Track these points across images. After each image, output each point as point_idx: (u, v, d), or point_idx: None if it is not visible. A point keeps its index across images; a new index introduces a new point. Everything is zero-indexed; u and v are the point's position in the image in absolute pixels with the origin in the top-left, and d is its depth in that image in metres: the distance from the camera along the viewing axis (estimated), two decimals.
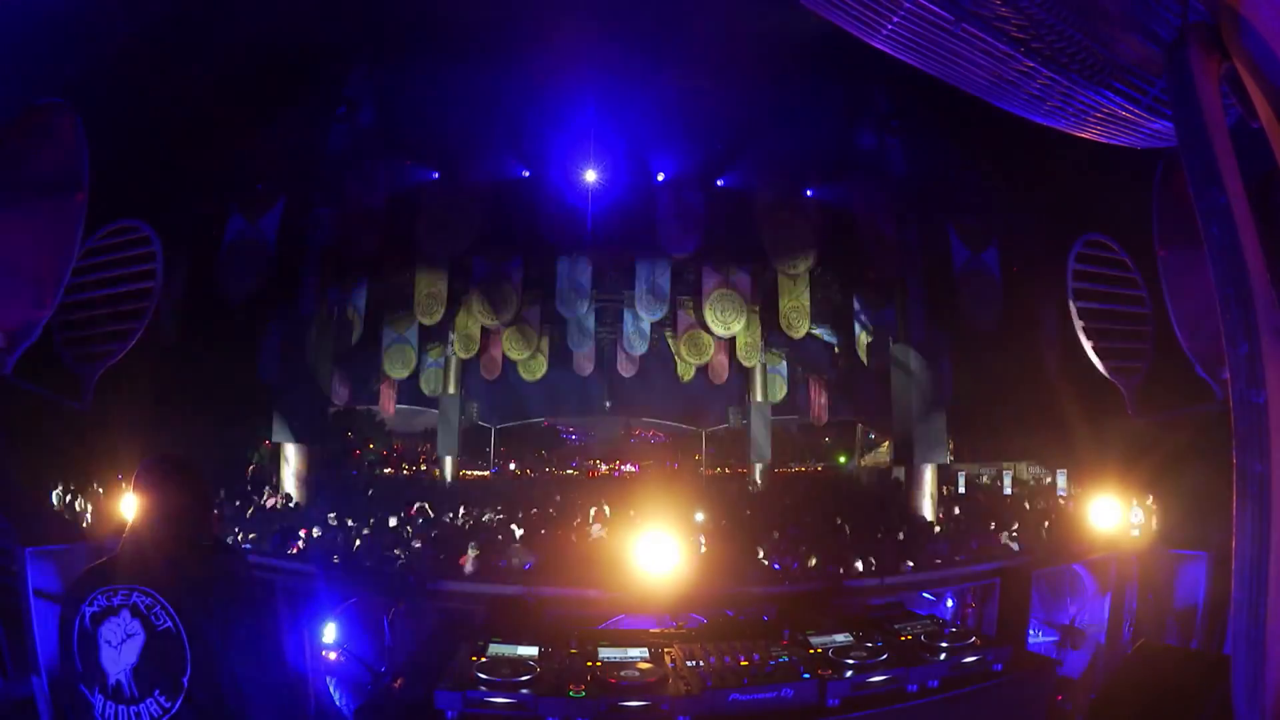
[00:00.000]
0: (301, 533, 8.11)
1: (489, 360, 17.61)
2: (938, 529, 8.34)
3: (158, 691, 1.81)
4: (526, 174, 11.44)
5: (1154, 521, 4.33)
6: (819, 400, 20.09)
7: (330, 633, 3.44)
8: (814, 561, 6.69)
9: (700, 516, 9.20)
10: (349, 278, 13.18)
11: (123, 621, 1.84)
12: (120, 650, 1.83)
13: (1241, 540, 1.49)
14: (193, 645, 1.84)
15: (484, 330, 16.04)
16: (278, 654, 2.05)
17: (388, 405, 19.51)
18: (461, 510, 10.70)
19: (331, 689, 3.35)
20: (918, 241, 11.78)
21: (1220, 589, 3.80)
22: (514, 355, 16.71)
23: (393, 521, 8.99)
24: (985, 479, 19.74)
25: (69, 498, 6.67)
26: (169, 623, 1.84)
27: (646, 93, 10.95)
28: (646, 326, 15.74)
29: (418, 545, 7.20)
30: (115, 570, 1.95)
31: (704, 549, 7.11)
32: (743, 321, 14.19)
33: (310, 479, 11.25)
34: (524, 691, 2.27)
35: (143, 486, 2.04)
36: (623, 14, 9.52)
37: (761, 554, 6.95)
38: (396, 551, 6.89)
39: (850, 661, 2.51)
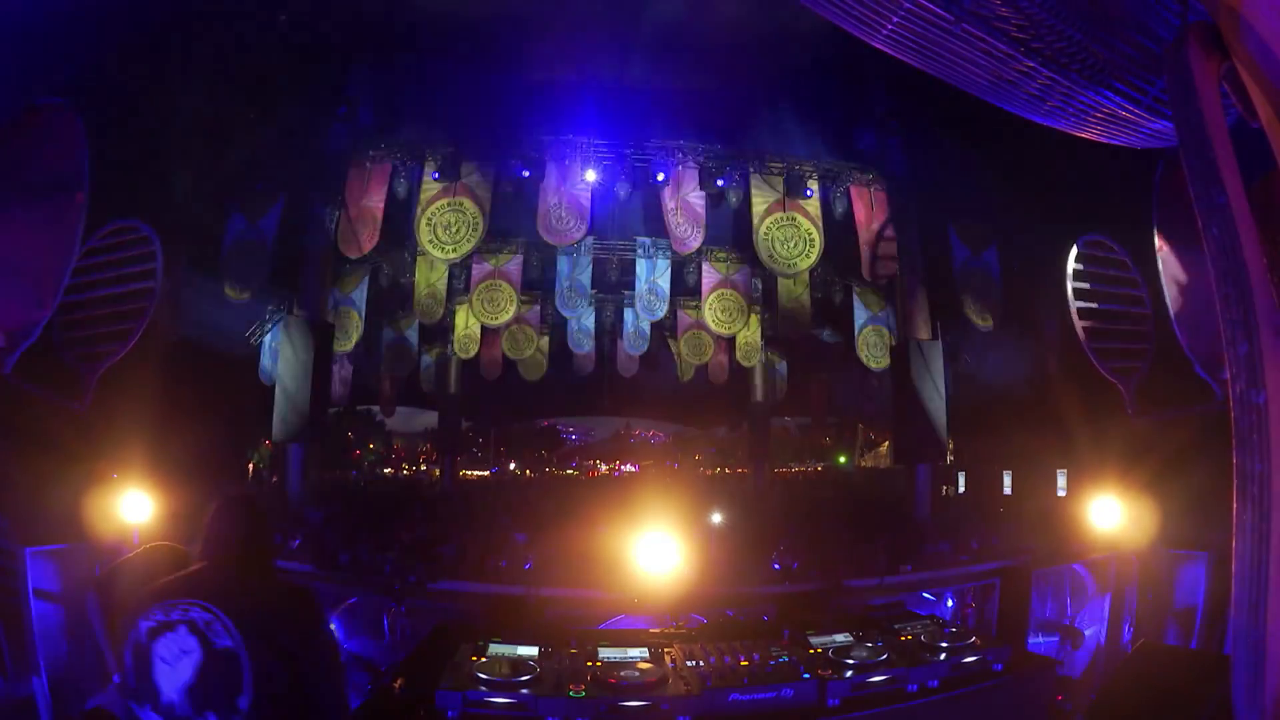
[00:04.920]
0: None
1: (489, 360, 17.61)
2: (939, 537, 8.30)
3: (211, 715, 1.74)
4: (526, 174, 11.41)
5: (1153, 522, 4.33)
6: (819, 400, 20.08)
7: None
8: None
9: (718, 518, 9.12)
10: (349, 278, 13.19)
11: (179, 638, 1.78)
12: (175, 668, 1.75)
13: (1241, 540, 1.49)
14: (253, 665, 1.76)
15: (484, 330, 16.04)
16: (338, 676, 2.03)
17: (388, 405, 19.51)
18: None
19: None
20: (918, 241, 11.77)
21: (1220, 589, 3.81)
22: (514, 355, 16.71)
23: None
24: (983, 478, 19.72)
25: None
26: (228, 641, 1.77)
27: (646, 92, 10.94)
28: (646, 326, 15.73)
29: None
30: (175, 587, 1.89)
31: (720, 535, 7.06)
32: (743, 321, 14.19)
33: (310, 479, 11.24)
34: (524, 691, 2.27)
35: (217, 522, 2.05)
36: (623, 13, 9.52)
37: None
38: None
39: (850, 661, 2.51)
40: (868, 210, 11.72)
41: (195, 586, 1.87)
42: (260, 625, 1.81)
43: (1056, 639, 4.61)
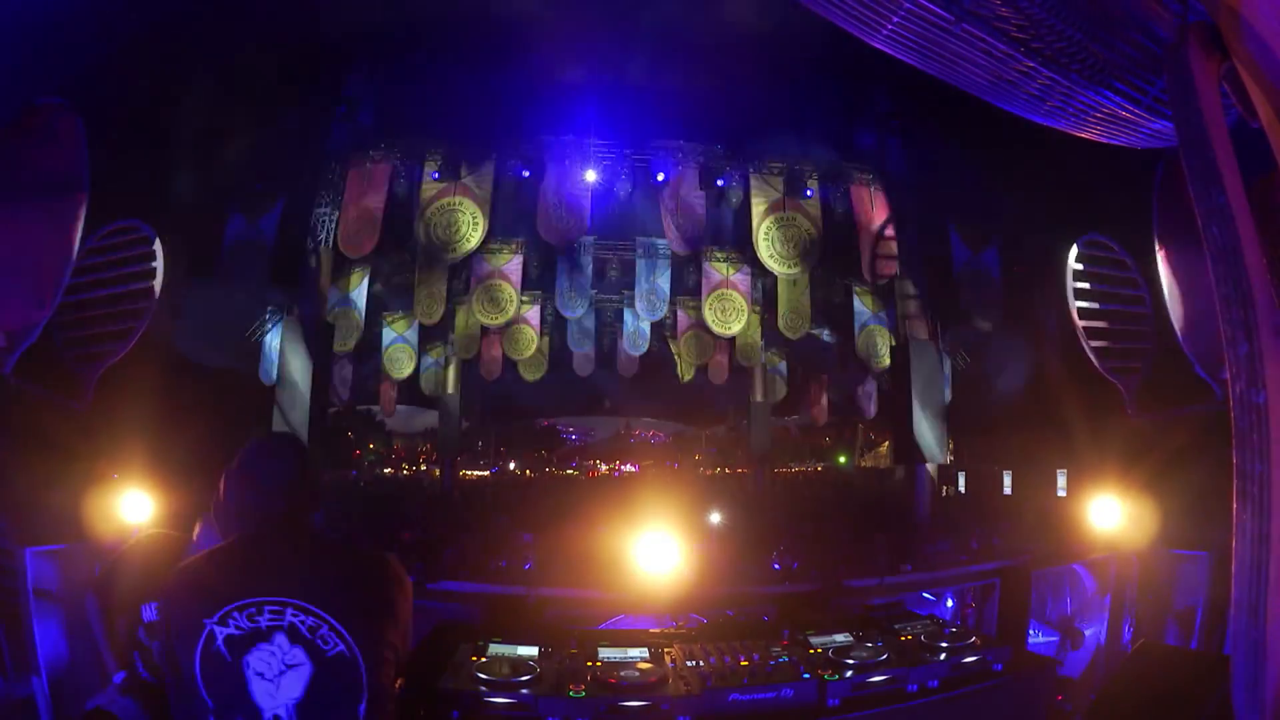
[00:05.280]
0: None
1: (489, 360, 17.62)
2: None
3: None
4: (526, 174, 11.42)
5: (1153, 522, 4.33)
6: (819, 400, 20.09)
7: None
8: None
9: (718, 518, 9.11)
10: (349, 278, 13.19)
11: (279, 649, 1.48)
12: (279, 683, 1.47)
13: (1241, 540, 1.49)
14: (369, 667, 1.52)
15: (484, 330, 16.04)
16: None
17: (388, 405, 19.52)
18: None
19: None
20: (918, 241, 11.78)
21: (1220, 589, 3.80)
22: (514, 355, 16.72)
23: None
24: (984, 478, 19.77)
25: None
26: (341, 646, 1.50)
27: (646, 93, 10.95)
28: (646, 326, 15.75)
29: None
30: (245, 579, 1.54)
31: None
32: (743, 321, 14.21)
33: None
34: (524, 691, 2.27)
35: (259, 473, 1.68)
36: (623, 14, 9.52)
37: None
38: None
39: (850, 661, 2.51)
40: (868, 210, 11.73)
41: (278, 579, 1.53)
42: (372, 622, 1.56)
43: (1056, 639, 4.61)
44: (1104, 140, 2.10)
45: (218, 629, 1.47)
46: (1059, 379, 9.13)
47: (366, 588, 1.62)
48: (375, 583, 1.65)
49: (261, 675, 1.47)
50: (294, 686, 1.47)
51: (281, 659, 1.48)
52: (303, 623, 1.49)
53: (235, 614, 1.48)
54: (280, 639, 1.48)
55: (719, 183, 11.59)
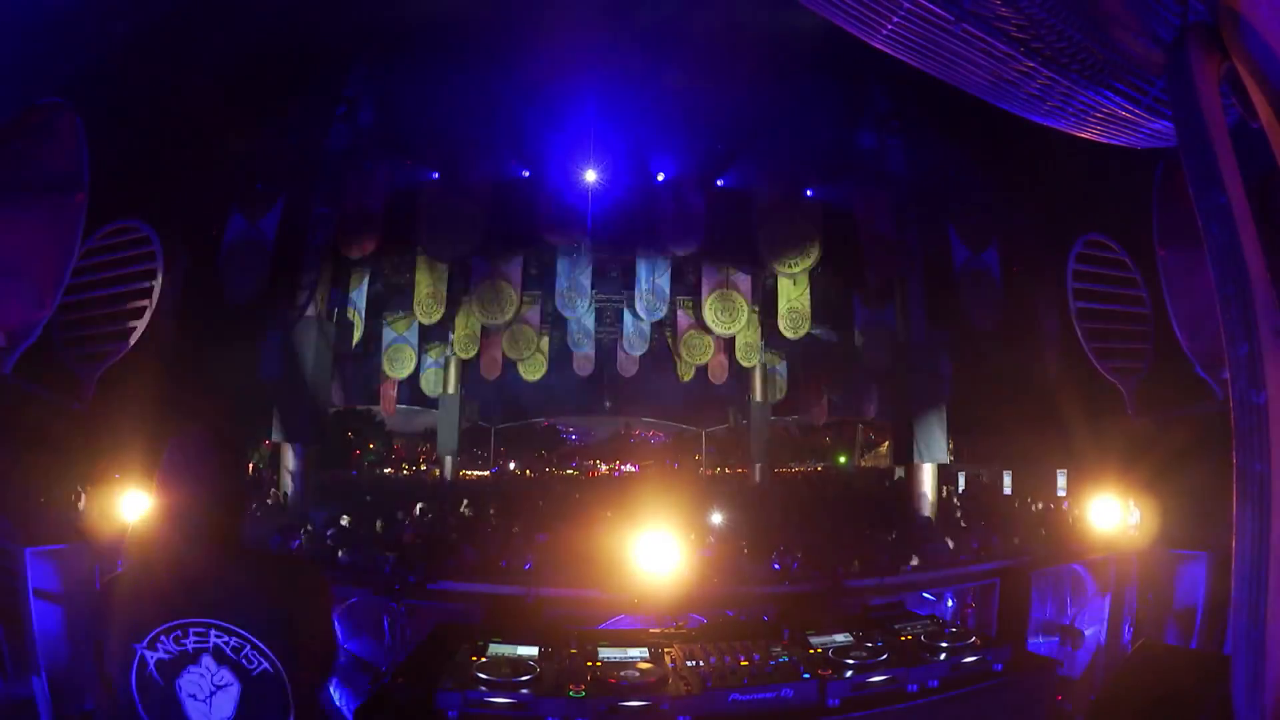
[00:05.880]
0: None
1: (489, 360, 17.62)
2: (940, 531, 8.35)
3: None
4: (526, 174, 11.43)
5: (1153, 522, 4.34)
6: (819, 400, 20.09)
7: None
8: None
9: (717, 518, 9.09)
10: (349, 278, 13.19)
11: (207, 670, 1.50)
12: (211, 703, 1.50)
13: (1241, 540, 1.49)
14: (293, 681, 1.54)
15: (484, 330, 16.05)
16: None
17: (388, 405, 19.53)
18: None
19: (331, 689, 3.35)
20: (918, 241, 11.78)
21: (1220, 589, 3.81)
22: (514, 355, 16.72)
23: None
24: (984, 478, 19.79)
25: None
26: (265, 664, 1.52)
27: (646, 93, 10.96)
28: (646, 326, 15.75)
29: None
30: (168, 601, 1.53)
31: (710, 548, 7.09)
32: (743, 321, 14.21)
33: (309, 479, 11.25)
34: (524, 691, 2.26)
35: (179, 474, 1.59)
36: (623, 14, 9.53)
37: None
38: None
39: (850, 661, 2.50)
40: (868, 210, 11.73)
41: (200, 598, 1.52)
42: (291, 636, 1.57)
43: (1056, 639, 4.61)
44: (1104, 140, 2.10)
45: (148, 654, 1.49)
46: (1059, 379, 9.13)
47: (284, 602, 1.60)
48: (291, 596, 1.63)
49: (194, 697, 1.49)
50: (225, 706, 1.50)
51: (211, 680, 1.50)
52: (226, 643, 1.50)
53: (163, 638, 1.49)
54: (207, 660, 1.50)
55: (719, 183, 11.59)
